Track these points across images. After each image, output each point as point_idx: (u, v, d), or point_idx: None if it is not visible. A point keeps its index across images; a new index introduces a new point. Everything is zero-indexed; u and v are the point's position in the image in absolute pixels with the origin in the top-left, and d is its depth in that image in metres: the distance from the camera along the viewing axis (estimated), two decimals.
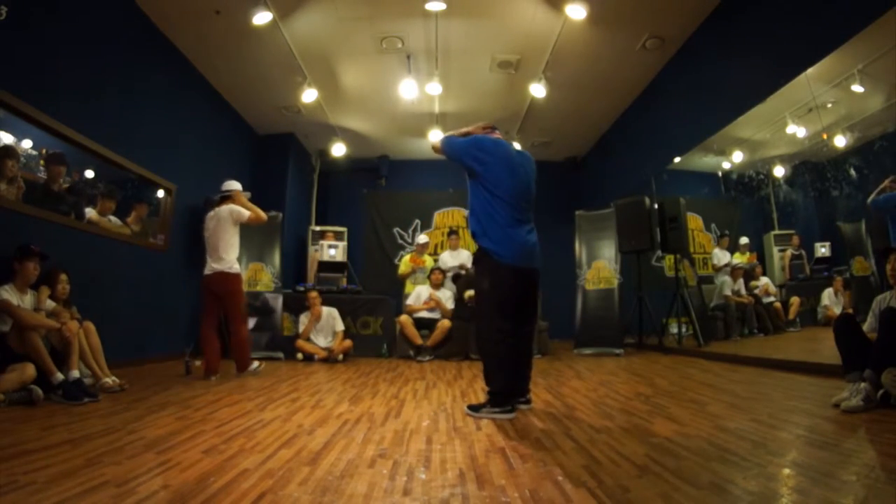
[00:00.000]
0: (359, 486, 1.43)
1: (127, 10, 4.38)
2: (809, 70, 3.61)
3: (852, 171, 3.98)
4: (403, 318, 5.50)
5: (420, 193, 8.56)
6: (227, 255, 3.87)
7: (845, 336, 2.40)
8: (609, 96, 6.36)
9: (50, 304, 3.09)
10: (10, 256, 2.93)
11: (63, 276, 3.22)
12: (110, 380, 3.10)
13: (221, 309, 3.89)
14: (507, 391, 2.40)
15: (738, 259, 5.54)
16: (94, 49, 3.96)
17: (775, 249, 5.23)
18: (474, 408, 2.43)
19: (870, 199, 3.55)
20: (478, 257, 2.57)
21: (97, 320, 3.33)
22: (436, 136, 2.63)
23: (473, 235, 2.56)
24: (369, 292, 6.14)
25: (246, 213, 3.96)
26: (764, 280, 5.31)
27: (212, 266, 3.85)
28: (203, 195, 5.45)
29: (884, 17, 2.90)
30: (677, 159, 5.47)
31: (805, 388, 2.83)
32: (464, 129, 2.82)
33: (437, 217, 8.55)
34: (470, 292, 5.73)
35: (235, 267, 3.91)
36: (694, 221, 5.90)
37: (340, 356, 5.04)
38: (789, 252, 5.13)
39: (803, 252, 5.00)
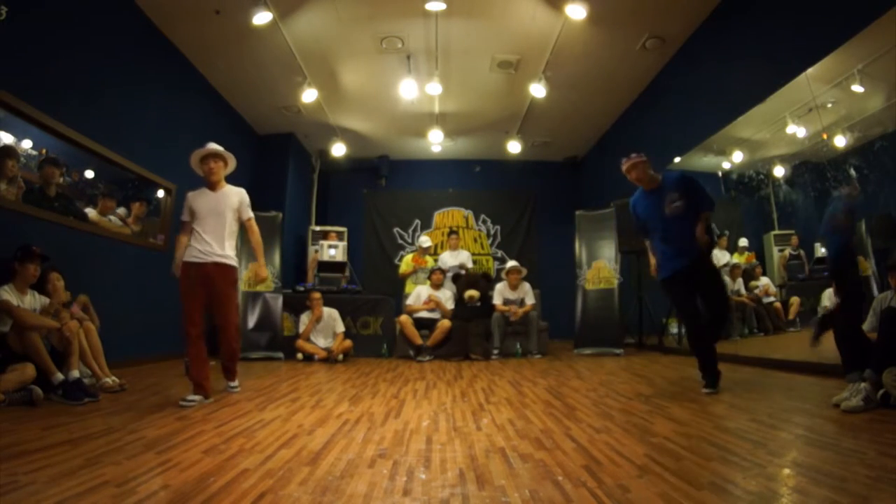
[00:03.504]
0: (359, 486, 1.43)
1: (127, 10, 4.38)
2: (809, 70, 3.61)
3: (852, 171, 3.98)
4: (403, 318, 5.50)
5: (420, 193, 8.56)
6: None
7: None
8: (609, 96, 6.36)
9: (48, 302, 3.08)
10: (9, 256, 2.93)
11: (54, 275, 3.18)
12: (110, 380, 3.10)
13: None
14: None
15: (737, 259, 5.54)
16: (94, 49, 3.96)
17: (775, 249, 5.23)
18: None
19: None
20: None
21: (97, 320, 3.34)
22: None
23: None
24: (369, 292, 6.14)
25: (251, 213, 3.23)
26: (764, 280, 5.30)
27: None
28: None
29: (884, 17, 2.90)
30: (677, 159, 5.46)
31: (805, 388, 2.84)
32: None
33: (437, 217, 8.55)
34: (470, 292, 5.73)
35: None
36: None
37: (340, 356, 5.04)
38: (787, 252, 5.12)
39: (802, 252, 4.99)
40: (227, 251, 3.02)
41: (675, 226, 3.01)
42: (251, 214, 3.20)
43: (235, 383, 3.17)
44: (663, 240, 3.10)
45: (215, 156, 3.12)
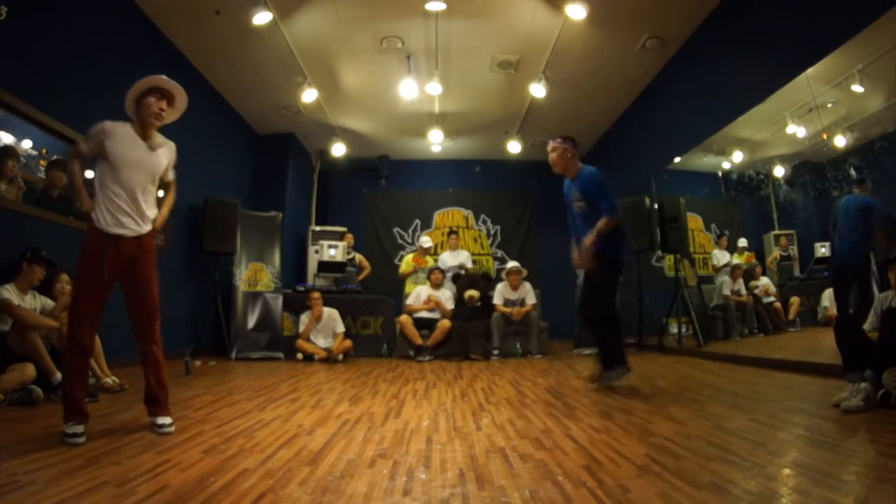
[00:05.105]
0: (359, 486, 1.43)
1: (127, 10, 4.38)
2: (809, 70, 3.61)
3: (852, 171, 3.98)
4: (403, 318, 5.50)
5: (420, 193, 8.56)
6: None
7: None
8: (609, 96, 6.36)
9: (49, 303, 3.08)
10: (9, 257, 2.93)
11: (65, 276, 3.21)
12: (110, 380, 3.10)
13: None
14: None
15: (737, 260, 5.55)
16: (94, 49, 3.96)
17: (775, 249, 5.24)
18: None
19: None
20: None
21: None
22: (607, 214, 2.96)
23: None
24: (369, 292, 6.14)
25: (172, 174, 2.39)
26: (764, 280, 5.31)
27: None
28: (203, 195, 5.45)
29: (884, 17, 2.90)
30: (677, 159, 5.47)
31: (805, 388, 2.83)
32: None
33: (437, 217, 8.55)
34: (470, 292, 5.73)
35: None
36: (694, 221, 5.90)
37: (340, 356, 5.04)
38: (776, 253, 5.13)
39: (791, 252, 5.00)
40: (146, 224, 2.26)
41: (581, 225, 3.09)
42: (173, 176, 2.43)
43: (168, 420, 2.06)
44: (574, 236, 3.22)
45: (171, 95, 2.26)
